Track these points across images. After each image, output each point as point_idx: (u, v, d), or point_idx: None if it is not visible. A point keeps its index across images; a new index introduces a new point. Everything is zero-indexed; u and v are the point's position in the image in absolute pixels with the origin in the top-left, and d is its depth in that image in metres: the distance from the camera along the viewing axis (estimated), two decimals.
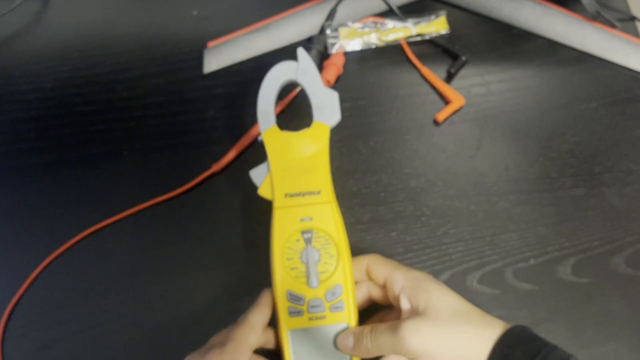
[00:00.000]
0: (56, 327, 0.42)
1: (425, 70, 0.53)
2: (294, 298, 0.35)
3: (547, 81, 0.53)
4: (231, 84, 0.53)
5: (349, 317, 0.36)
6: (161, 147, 0.50)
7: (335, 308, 0.36)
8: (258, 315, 0.35)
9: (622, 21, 0.56)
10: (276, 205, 0.37)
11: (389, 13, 0.57)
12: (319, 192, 0.37)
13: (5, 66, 0.56)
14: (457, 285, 0.43)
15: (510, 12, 0.57)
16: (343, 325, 0.36)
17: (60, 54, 0.56)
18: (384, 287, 0.37)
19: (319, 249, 0.36)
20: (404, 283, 0.35)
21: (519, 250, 0.45)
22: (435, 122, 0.51)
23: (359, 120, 0.51)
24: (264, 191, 0.38)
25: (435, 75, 0.53)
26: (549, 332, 0.41)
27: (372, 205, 0.47)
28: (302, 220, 0.37)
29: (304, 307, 0.36)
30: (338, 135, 0.50)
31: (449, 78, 0.53)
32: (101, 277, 0.44)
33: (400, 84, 0.53)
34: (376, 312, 0.39)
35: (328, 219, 0.37)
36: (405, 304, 0.34)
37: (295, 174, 0.38)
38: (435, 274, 0.44)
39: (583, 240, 0.45)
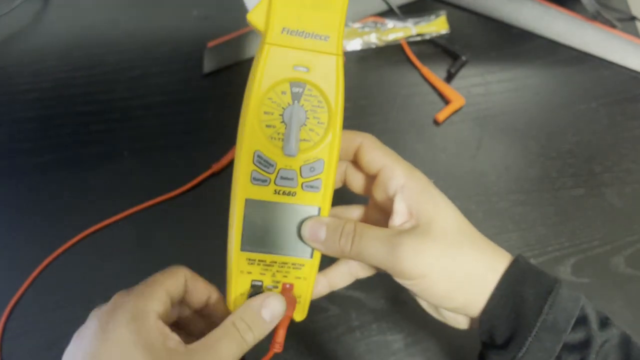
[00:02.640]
0: (56, 327, 0.42)
1: (425, 70, 0.53)
2: (263, 162, 0.29)
3: (547, 81, 0.53)
4: (231, 84, 0.53)
5: (324, 201, 0.30)
6: (161, 147, 0.50)
7: (310, 187, 0.30)
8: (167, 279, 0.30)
9: (622, 21, 0.56)
10: (268, 39, 0.29)
11: (389, 13, 0.57)
12: (326, 38, 0.29)
13: (5, 66, 0.56)
14: None
15: (510, 12, 0.57)
16: (313, 210, 0.30)
17: (60, 54, 0.56)
18: (372, 177, 0.31)
19: (307, 110, 0.29)
20: (405, 183, 0.29)
21: (519, 250, 0.45)
22: (436, 122, 0.51)
23: (359, 120, 0.51)
24: (255, 17, 0.29)
25: (435, 75, 0.53)
26: None
27: None
28: (295, 68, 0.29)
29: (272, 176, 0.30)
30: None
31: (449, 78, 0.53)
32: (101, 277, 0.44)
33: (401, 83, 0.53)
34: None
35: (329, 75, 0.29)
36: (400, 209, 0.29)
37: (303, 4, 0.29)
38: None
39: (583, 240, 0.45)
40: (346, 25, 0.55)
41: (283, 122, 0.30)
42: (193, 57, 0.55)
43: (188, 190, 0.47)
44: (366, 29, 0.55)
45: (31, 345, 0.42)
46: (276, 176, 0.30)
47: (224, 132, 0.50)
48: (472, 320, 0.30)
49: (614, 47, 0.54)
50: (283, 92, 0.29)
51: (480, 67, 0.54)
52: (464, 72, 0.54)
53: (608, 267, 0.44)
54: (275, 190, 0.30)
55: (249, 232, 0.30)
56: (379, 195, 0.31)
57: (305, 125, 0.30)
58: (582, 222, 0.46)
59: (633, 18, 0.57)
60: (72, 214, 0.47)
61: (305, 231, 0.30)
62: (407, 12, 0.57)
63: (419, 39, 0.55)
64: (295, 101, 0.29)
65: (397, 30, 0.55)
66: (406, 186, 0.29)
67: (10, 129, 0.52)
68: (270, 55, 0.29)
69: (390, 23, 0.56)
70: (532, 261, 0.44)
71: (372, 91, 0.53)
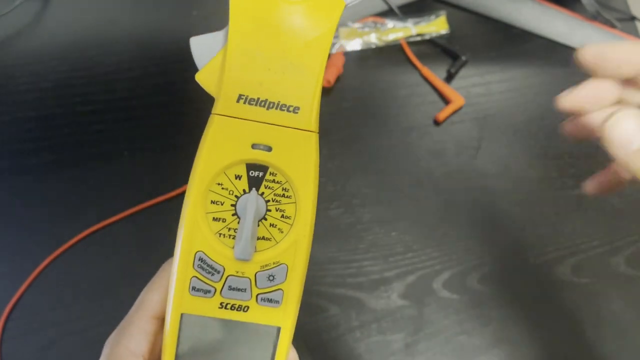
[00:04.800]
0: (56, 327, 0.42)
1: (425, 70, 0.53)
2: (206, 267, 0.23)
3: (548, 81, 0.53)
4: None
5: (285, 319, 0.24)
6: (161, 147, 0.50)
7: (267, 300, 0.23)
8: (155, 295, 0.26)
9: (622, 21, 0.56)
10: (219, 109, 0.23)
11: (389, 13, 0.57)
12: (296, 110, 0.23)
13: (5, 66, 0.56)
14: (457, 285, 0.43)
15: (510, 12, 0.57)
16: (270, 331, 0.24)
17: (60, 54, 0.56)
18: (628, 84, 0.24)
19: (269, 200, 0.23)
20: None
21: (519, 250, 0.45)
22: (436, 122, 0.51)
23: (359, 121, 0.51)
24: (204, 78, 0.24)
25: (435, 75, 0.53)
26: (550, 332, 0.41)
27: (373, 205, 0.47)
28: (254, 146, 0.23)
29: (218, 286, 0.23)
30: (338, 135, 0.50)
31: (449, 78, 0.53)
32: (101, 277, 0.44)
33: (401, 84, 0.53)
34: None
35: (298, 155, 0.23)
36: None
37: (267, 66, 0.23)
38: (436, 274, 0.44)
39: (583, 240, 0.45)
40: (346, 25, 0.55)
41: (235, 214, 0.23)
42: (193, 57, 0.55)
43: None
44: (366, 29, 0.55)
45: (31, 345, 0.42)
46: (223, 285, 0.23)
47: None
48: None
49: None
50: (237, 177, 0.23)
51: (480, 67, 0.54)
52: (464, 72, 0.54)
53: (608, 267, 0.44)
54: (221, 304, 0.23)
55: (184, 357, 0.23)
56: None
57: (266, 219, 0.23)
58: (582, 222, 0.46)
59: (633, 18, 0.57)
60: (72, 214, 0.47)
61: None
62: (407, 12, 0.57)
63: (418, 39, 0.55)
64: (253, 189, 0.23)
65: (397, 30, 0.55)
66: None
67: (10, 129, 0.52)
68: (220, 129, 0.23)
69: (390, 23, 0.56)
70: (533, 261, 0.44)
71: (372, 91, 0.53)
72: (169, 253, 0.46)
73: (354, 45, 0.55)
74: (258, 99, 0.23)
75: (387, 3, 0.56)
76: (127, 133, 0.51)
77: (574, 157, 0.49)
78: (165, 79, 0.54)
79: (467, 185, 0.48)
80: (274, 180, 0.23)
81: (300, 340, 0.41)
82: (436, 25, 0.56)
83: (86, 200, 0.48)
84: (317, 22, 0.23)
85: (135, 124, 0.52)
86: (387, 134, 0.50)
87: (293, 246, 0.23)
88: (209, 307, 0.23)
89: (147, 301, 0.25)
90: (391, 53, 0.55)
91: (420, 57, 0.54)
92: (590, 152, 0.49)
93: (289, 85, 0.23)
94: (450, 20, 0.56)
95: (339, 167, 0.48)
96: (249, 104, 0.23)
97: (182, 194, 0.48)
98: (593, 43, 0.24)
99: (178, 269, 0.23)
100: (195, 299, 0.23)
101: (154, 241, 0.46)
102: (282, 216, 0.23)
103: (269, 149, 0.23)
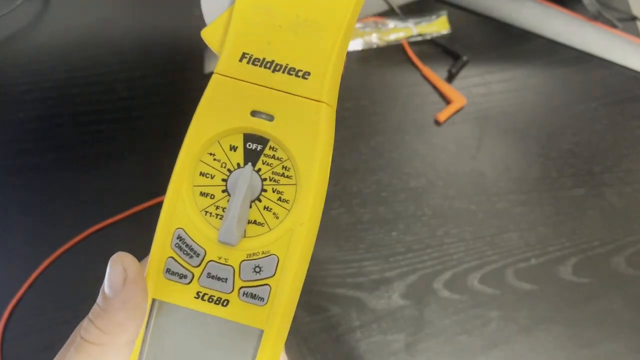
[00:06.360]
0: (56, 327, 0.42)
1: (426, 70, 0.53)
2: (185, 247, 0.20)
3: (548, 81, 0.53)
4: None
5: (269, 321, 0.20)
6: (161, 147, 0.50)
7: (250, 296, 0.20)
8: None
9: (623, 21, 0.56)
10: (219, 67, 0.21)
11: (390, 13, 0.57)
12: (306, 75, 0.20)
13: (5, 66, 0.56)
14: (458, 285, 0.43)
15: (510, 12, 0.57)
16: (251, 332, 0.20)
17: (60, 54, 0.56)
18: None
19: (265, 178, 0.20)
20: None
21: (519, 250, 0.45)
22: (436, 122, 0.51)
23: (359, 120, 0.51)
24: (210, 34, 0.21)
25: (436, 75, 0.53)
26: (549, 332, 0.41)
27: (373, 205, 0.47)
28: (254, 114, 0.20)
29: (197, 271, 0.20)
30: (338, 135, 0.50)
31: (450, 78, 0.53)
32: (101, 277, 0.44)
33: (401, 84, 0.53)
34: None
35: (305, 129, 0.20)
36: None
37: (278, 23, 0.20)
38: (436, 274, 0.44)
39: (583, 240, 0.45)
40: None
41: (226, 191, 0.20)
42: (193, 57, 0.55)
43: None
44: (367, 29, 0.55)
45: (31, 345, 0.42)
46: (202, 272, 0.20)
47: None
48: None
49: (614, 47, 0.54)
50: (232, 148, 0.20)
51: (481, 67, 0.54)
52: (464, 72, 0.54)
53: (608, 267, 0.44)
54: (197, 293, 0.20)
55: (153, 349, 0.20)
56: None
57: (260, 201, 0.20)
58: (582, 222, 0.46)
59: (634, 18, 0.57)
60: (72, 214, 0.47)
61: None
62: (408, 12, 0.57)
63: (419, 39, 0.55)
64: (249, 163, 0.20)
65: (398, 30, 0.55)
66: None
67: (10, 129, 0.52)
68: (218, 90, 0.20)
69: (391, 23, 0.56)
70: (533, 261, 0.44)
71: (373, 91, 0.53)
72: None
73: (355, 45, 0.55)
74: (264, 59, 0.20)
75: (388, 3, 0.56)
76: (127, 133, 0.51)
77: (574, 157, 0.49)
78: (165, 79, 0.54)
79: (468, 185, 0.48)
80: (273, 155, 0.20)
81: (300, 340, 0.41)
82: (437, 26, 0.56)
83: (86, 200, 0.48)
84: None
85: (135, 124, 0.52)
86: (387, 133, 0.50)
87: (287, 235, 0.20)
88: (183, 296, 0.20)
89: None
90: (392, 53, 0.55)
91: (421, 57, 0.54)
92: (591, 152, 0.49)
93: (301, 45, 0.20)
94: (451, 21, 0.56)
95: (339, 167, 0.48)
96: (253, 64, 0.20)
97: None
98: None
99: (154, 247, 0.21)
100: (169, 283, 0.20)
101: None
102: (279, 199, 0.20)
103: (271, 118, 0.20)
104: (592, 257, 0.44)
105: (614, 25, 0.55)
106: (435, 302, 0.42)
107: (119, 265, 0.21)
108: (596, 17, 0.56)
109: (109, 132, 0.51)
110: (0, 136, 0.51)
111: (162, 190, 0.49)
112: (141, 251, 0.45)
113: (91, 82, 0.54)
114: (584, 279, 0.43)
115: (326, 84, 0.20)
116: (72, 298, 0.43)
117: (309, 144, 0.20)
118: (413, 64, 0.54)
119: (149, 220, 0.46)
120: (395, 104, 0.52)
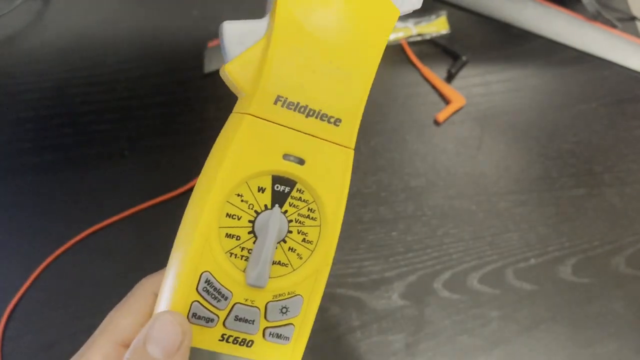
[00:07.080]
0: (56, 327, 0.42)
1: (425, 70, 0.53)
2: (213, 291, 0.20)
3: (548, 81, 0.53)
4: None
5: (293, 357, 0.21)
6: (161, 147, 0.50)
7: (276, 336, 0.20)
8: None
9: (623, 21, 0.56)
10: (253, 108, 0.20)
11: None
12: (337, 122, 0.21)
13: (5, 66, 0.56)
14: (458, 285, 0.43)
15: (510, 12, 0.57)
16: None
17: (60, 54, 0.56)
18: None
19: (292, 220, 0.21)
20: None
21: (519, 250, 0.45)
22: (436, 122, 0.51)
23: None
24: (236, 70, 0.20)
25: (435, 75, 0.53)
26: (549, 332, 0.41)
27: (373, 205, 0.47)
28: (285, 157, 0.20)
29: (222, 314, 0.20)
30: None
31: (450, 78, 0.53)
32: (101, 277, 0.44)
33: (401, 84, 0.53)
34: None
35: (333, 174, 0.21)
36: None
37: (312, 68, 0.20)
38: (436, 274, 0.44)
39: (583, 240, 0.45)
40: None
41: (252, 232, 0.20)
42: (193, 57, 0.55)
43: (188, 191, 0.47)
44: None
45: (31, 345, 0.42)
46: (228, 314, 0.20)
47: None
48: None
49: (614, 47, 0.54)
50: (260, 189, 0.20)
51: (481, 67, 0.54)
52: (464, 72, 0.54)
53: (608, 267, 0.44)
54: (222, 336, 0.20)
55: None
56: None
57: (285, 242, 0.20)
58: (582, 222, 0.46)
59: (633, 18, 0.57)
60: (72, 214, 0.47)
61: None
62: None
63: (419, 39, 0.55)
64: (277, 205, 0.20)
65: (398, 30, 0.55)
66: None
67: (10, 129, 0.52)
68: (251, 132, 0.19)
69: None
70: (533, 261, 0.44)
71: (373, 91, 0.53)
72: (168, 253, 0.46)
73: None
74: (298, 103, 0.20)
75: None
76: (127, 133, 0.51)
77: (574, 157, 0.49)
78: (165, 79, 0.54)
79: (467, 185, 0.48)
80: (300, 198, 0.20)
81: None
82: (437, 25, 0.56)
83: (86, 200, 0.48)
84: (370, 29, 0.22)
85: (135, 124, 0.52)
86: (387, 133, 0.50)
87: (312, 276, 0.20)
88: (208, 339, 0.20)
89: (115, 325, 0.22)
90: (392, 53, 0.55)
91: (420, 57, 0.54)
92: (591, 152, 0.49)
93: (333, 92, 0.21)
94: (450, 21, 0.56)
95: None
96: (287, 107, 0.20)
97: (182, 195, 0.48)
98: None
99: (177, 291, 0.19)
100: (194, 328, 0.19)
101: (154, 242, 0.46)
102: (304, 240, 0.21)
103: (302, 162, 0.20)
104: (592, 257, 0.44)
105: (613, 26, 0.55)
106: (435, 302, 0.42)
107: (177, 327, 0.19)
108: (596, 17, 0.56)
109: (109, 132, 0.51)
110: (0, 136, 0.51)
111: (161, 190, 0.49)
112: (141, 251, 0.45)
113: (91, 82, 0.54)
114: (584, 279, 0.43)
115: (355, 132, 0.22)
116: (72, 298, 0.43)
117: (337, 187, 0.21)
118: (412, 64, 0.54)
119: (148, 220, 0.46)
120: (395, 104, 0.52)
